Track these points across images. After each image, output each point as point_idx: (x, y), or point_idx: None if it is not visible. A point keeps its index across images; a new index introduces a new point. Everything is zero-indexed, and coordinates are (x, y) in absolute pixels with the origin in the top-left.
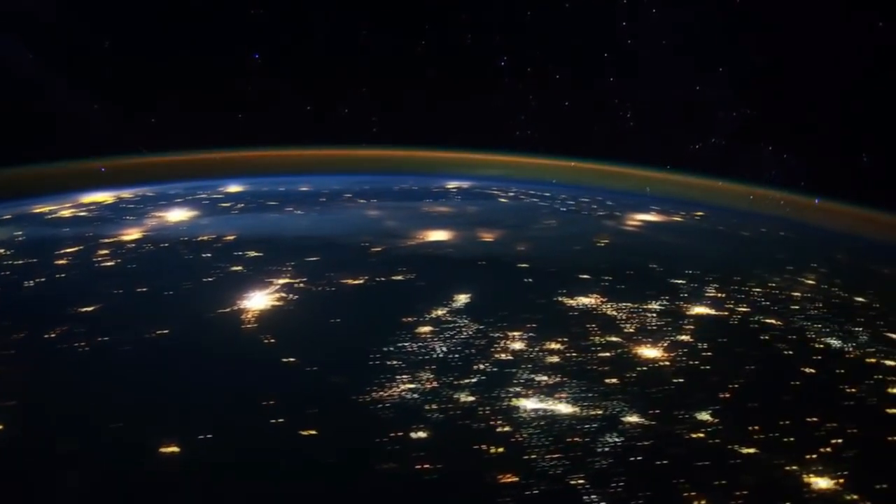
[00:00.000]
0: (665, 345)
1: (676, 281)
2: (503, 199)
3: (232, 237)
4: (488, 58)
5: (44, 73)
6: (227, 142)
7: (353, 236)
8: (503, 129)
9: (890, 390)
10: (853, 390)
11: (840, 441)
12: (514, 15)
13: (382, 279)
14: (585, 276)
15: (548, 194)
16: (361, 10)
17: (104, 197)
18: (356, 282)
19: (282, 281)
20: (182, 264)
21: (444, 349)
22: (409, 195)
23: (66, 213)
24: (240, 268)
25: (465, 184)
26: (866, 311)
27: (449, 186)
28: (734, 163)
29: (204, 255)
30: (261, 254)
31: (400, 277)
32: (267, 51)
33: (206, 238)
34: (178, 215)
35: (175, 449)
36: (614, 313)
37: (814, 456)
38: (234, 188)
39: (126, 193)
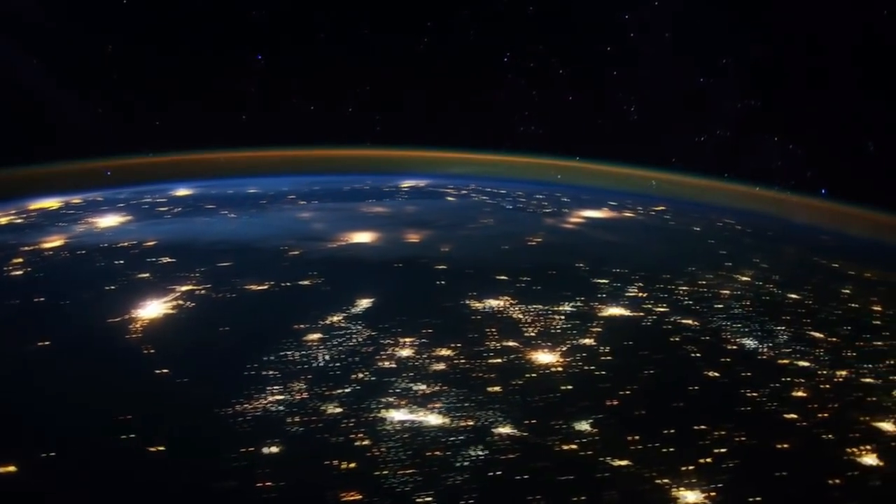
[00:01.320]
0: (564, 349)
1: (599, 281)
2: (451, 198)
3: (152, 243)
4: (491, 55)
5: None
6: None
7: (275, 240)
8: (505, 127)
9: (794, 394)
10: (754, 395)
11: (723, 451)
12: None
13: (288, 284)
14: (502, 278)
15: (503, 191)
16: (362, 8)
17: (51, 203)
18: (260, 288)
19: (184, 288)
20: (90, 272)
21: (327, 358)
22: (355, 195)
23: (3, 219)
24: (147, 275)
25: (422, 182)
26: (796, 308)
27: (403, 185)
28: (738, 156)
29: (116, 263)
30: (174, 260)
31: (307, 282)
32: (259, 52)
33: (125, 244)
34: (109, 221)
35: (10, 469)
36: (520, 316)
37: (690, 468)
38: (182, 191)
39: (77, 199)
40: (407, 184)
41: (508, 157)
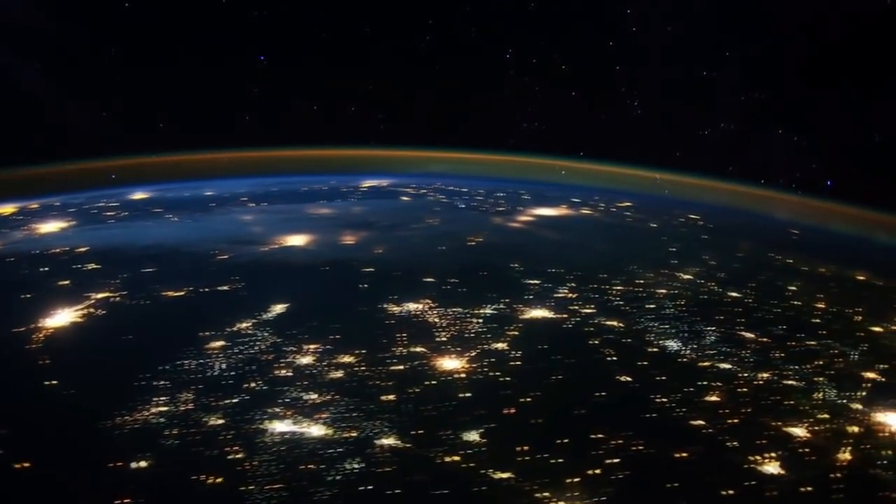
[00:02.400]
0: (472, 355)
1: (530, 281)
2: (405, 198)
3: (83, 249)
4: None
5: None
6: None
7: (208, 244)
8: (508, 125)
9: (707, 398)
10: (664, 400)
11: (615, 461)
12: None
13: (206, 290)
14: (429, 280)
15: (465, 190)
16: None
17: (6, 209)
18: (176, 294)
19: (100, 295)
20: (11, 280)
21: (224, 366)
22: (308, 196)
23: None
24: (67, 282)
25: (385, 181)
26: (733, 307)
27: (363, 185)
28: (743, 150)
29: (41, 270)
30: (99, 266)
31: (226, 287)
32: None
33: (56, 251)
34: (51, 227)
35: None
36: (436, 320)
37: (574, 480)
38: (138, 195)
39: (34, 204)
40: (368, 183)
41: (500, 155)
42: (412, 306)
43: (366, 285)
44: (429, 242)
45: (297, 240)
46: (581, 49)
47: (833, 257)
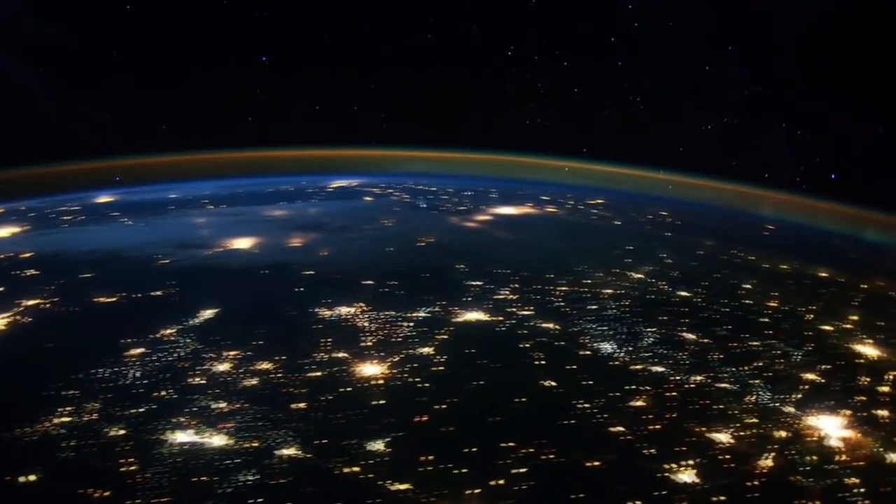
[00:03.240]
0: (395, 360)
1: (472, 283)
2: (368, 198)
3: (27, 255)
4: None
5: None
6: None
7: (153, 248)
8: (513, 122)
9: (632, 403)
10: (586, 406)
11: (521, 471)
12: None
13: (139, 296)
14: (368, 282)
15: (433, 189)
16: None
17: None
18: (109, 300)
19: (31, 302)
20: None
21: (138, 374)
22: (269, 198)
23: None
24: (1, 289)
25: (354, 181)
26: (679, 307)
27: (331, 186)
28: (746, 144)
29: None
30: (38, 272)
31: (159, 293)
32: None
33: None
34: (4, 232)
35: None
36: (365, 324)
37: (475, 491)
38: (103, 199)
39: (1, 209)
40: (337, 184)
41: (500, 155)
42: (344, 310)
43: (301, 289)
44: (377, 244)
45: (243, 243)
46: (583, 45)
47: (801, 254)
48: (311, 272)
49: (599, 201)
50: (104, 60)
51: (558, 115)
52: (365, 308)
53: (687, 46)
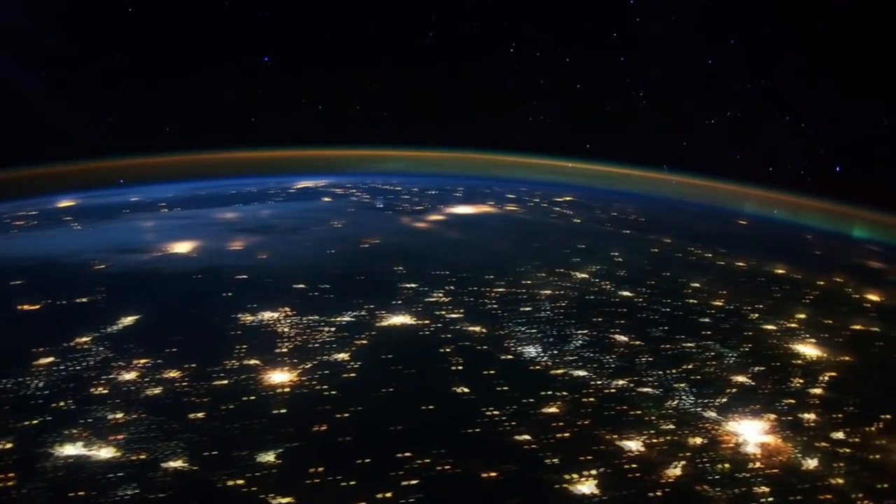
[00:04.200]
0: (308, 366)
1: (407, 285)
2: (327, 199)
3: None
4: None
5: None
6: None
7: (91, 253)
8: (516, 119)
9: (545, 410)
10: (495, 413)
11: (413, 482)
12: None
13: (64, 303)
14: (299, 286)
15: (399, 188)
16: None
17: None
18: (32, 308)
19: None
20: None
21: (41, 384)
22: (228, 200)
23: None
24: None
25: (322, 182)
26: (617, 308)
27: (296, 186)
28: (751, 137)
29: None
30: None
31: (85, 300)
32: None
33: None
34: None
35: None
36: (286, 329)
37: None
38: (65, 203)
39: None
40: (302, 184)
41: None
42: (268, 315)
43: (230, 294)
44: (320, 246)
45: (183, 247)
46: (585, 41)
47: (764, 250)
48: (245, 276)
49: (567, 199)
50: (97, 61)
51: (560, 113)
52: (289, 313)
53: (688, 41)
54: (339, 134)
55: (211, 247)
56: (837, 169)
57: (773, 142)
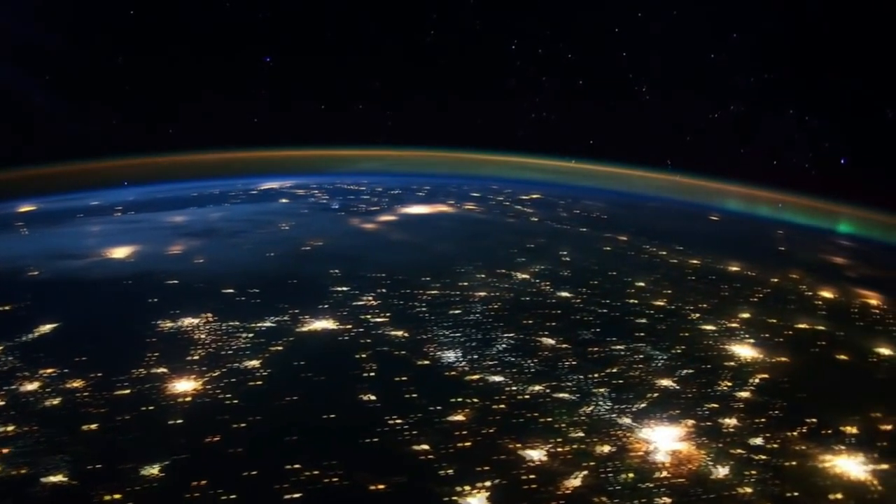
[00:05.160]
0: (215, 374)
1: (338, 289)
2: (284, 200)
3: None
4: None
5: None
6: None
7: (27, 260)
8: (518, 116)
9: (451, 419)
10: (397, 422)
11: (296, 496)
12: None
13: None
14: (228, 291)
15: (364, 188)
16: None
17: None
18: None
19: None
20: None
21: None
22: (183, 203)
23: None
24: None
25: (288, 182)
26: (551, 310)
27: (258, 188)
28: (755, 131)
29: None
30: None
31: (7, 308)
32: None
33: None
34: None
35: None
36: (202, 336)
37: None
38: (25, 207)
39: None
40: (266, 186)
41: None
42: (188, 321)
43: (156, 300)
44: (260, 249)
45: (121, 252)
46: (587, 37)
47: (723, 247)
48: (175, 281)
49: (534, 196)
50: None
51: (563, 109)
52: (210, 319)
53: (691, 35)
54: (340, 134)
55: (149, 251)
56: (843, 161)
57: (777, 135)
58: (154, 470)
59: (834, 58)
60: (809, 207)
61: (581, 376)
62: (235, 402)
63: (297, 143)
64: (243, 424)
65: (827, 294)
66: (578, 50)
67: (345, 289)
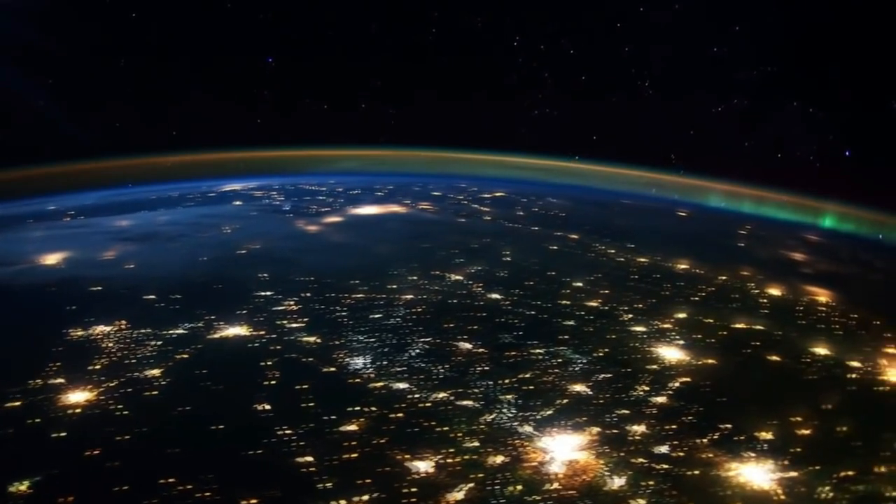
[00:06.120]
0: (112, 384)
1: (261, 293)
2: (237, 202)
3: None
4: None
5: None
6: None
7: None
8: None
9: (341, 429)
10: (287, 433)
11: None
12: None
13: None
14: (150, 297)
15: (325, 188)
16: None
17: None
18: None
19: None
20: None
21: None
22: (137, 206)
23: None
24: None
25: (252, 184)
26: (476, 312)
27: (220, 190)
28: (758, 124)
29: None
30: None
31: None
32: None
33: None
34: None
35: None
36: (111, 344)
37: None
38: None
39: None
40: (228, 187)
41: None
42: (100, 329)
43: (74, 307)
44: (194, 253)
45: (54, 258)
46: (588, 32)
47: (679, 244)
48: (99, 288)
49: (497, 195)
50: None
51: (565, 106)
52: (123, 326)
53: (693, 28)
54: (341, 134)
55: (81, 257)
56: (847, 153)
57: (781, 128)
58: (23, 486)
59: (838, 49)
60: (794, 203)
61: (490, 382)
62: (125, 413)
63: (297, 144)
64: (127, 437)
65: (775, 292)
66: (580, 45)
67: (268, 293)
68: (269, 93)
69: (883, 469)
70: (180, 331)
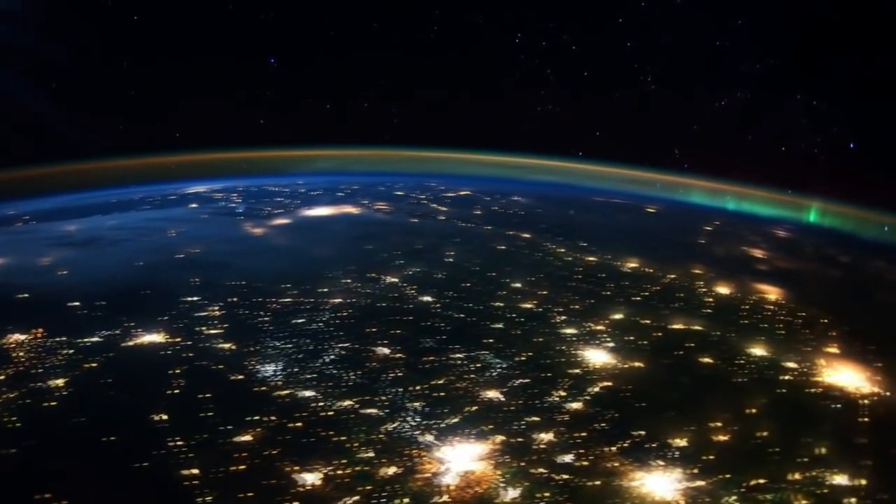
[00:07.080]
0: (11, 395)
1: (187, 299)
2: (193, 205)
3: None
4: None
5: None
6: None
7: None
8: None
9: (237, 439)
10: (179, 443)
11: None
12: None
13: None
14: (75, 304)
15: (287, 189)
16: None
17: None
18: None
19: None
20: None
21: None
22: (90, 210)
23: None
24: None
25: (216, 186)
26: (403, 315)
27: (181, 192)
28: (761, 118)
29: None
30: None
31: None
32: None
33: None
34: None
35: None
36: (21, 354)
37: None
38: None
39: None
40: (193, 190)
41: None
42: (15, 338)
43: None
44: (132, 259)
45: None
46: (590, 28)
47: (635, 242)
48: (26, 295)
49: (462, 193)
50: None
51: (567, 103)
52: (39, 335)
53: (695, 22)
54: (342, 134)
55: (17, 264)
56: (852, 146)
57: (784, 121)
58: None
59: (841, 42)
60: (776, 198)
61: (400, 389)
62: (18, 425)
63: (299, 144)
64: (13, 450)
65: (723, 290)
66: (582, 40)
67: (194, 299)
68: (271, 93)
69: (797, 476)
70: (95, 339)
